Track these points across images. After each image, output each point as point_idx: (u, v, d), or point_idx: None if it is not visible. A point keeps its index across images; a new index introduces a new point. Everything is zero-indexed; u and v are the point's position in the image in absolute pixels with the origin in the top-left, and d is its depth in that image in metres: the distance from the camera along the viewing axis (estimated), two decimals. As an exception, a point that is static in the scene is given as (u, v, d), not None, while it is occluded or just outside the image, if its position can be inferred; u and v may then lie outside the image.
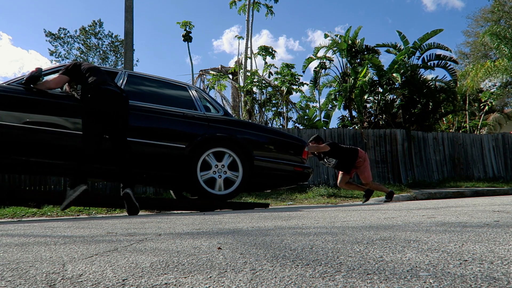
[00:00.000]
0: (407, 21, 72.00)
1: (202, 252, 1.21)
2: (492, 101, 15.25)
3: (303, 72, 15.20)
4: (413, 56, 13.03)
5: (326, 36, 14.05)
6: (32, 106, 3.51)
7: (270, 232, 1.67)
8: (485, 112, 15.74)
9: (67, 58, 28.50)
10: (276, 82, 13.29)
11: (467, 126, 15.01)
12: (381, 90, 12.60)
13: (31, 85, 3.55)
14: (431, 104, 12.59)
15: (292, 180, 4.78)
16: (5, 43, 49.70)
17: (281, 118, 13.35)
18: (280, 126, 12.82)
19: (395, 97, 12.77)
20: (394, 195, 7.56)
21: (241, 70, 14.59)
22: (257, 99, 12.80)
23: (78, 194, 3.34)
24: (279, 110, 13.17)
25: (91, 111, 3.49)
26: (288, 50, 69.69)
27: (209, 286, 0.82)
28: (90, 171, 3.74)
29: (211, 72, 15.85)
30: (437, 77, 13.22)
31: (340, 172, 6.06)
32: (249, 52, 14.58)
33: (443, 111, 13.77)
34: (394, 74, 11.82)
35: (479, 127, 15.30)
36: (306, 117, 13.47)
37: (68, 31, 29.05)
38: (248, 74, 13.39)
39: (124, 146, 3.61)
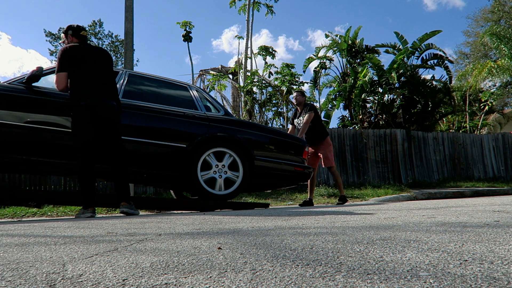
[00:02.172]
0: (408, 21, 72.01)
1: (202, 252, 1.21)
2: (492, 101, 15.24)
3: (304, 72, 15.21)
4: (412, 56, 13.04)
5: (326, 36, 14.06)
6: (33, 106, 3.51)
7: (270, 232, 1.67)
8: (485, 112, 15.74)
9: (67, 58, 28.48)
10: (276, 82, 13.29)
11: (467, 126, 15.01)
12: (381, 90, 12.61)
13: (32, 84, 3.55)
14: (430, 104, 12.61)
15: (292, 180, 4.78)
16: (4, 42, 49.77)
17: (281, 118, 13.35)
18: (280, 126, 12.82)
19: (395, 97, 12.78)
20: (394, 195, 7.56)
21: (241, 70, 14.58)
22: (257, 99, 12.80)
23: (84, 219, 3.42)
24: (279, 110, 13.17)
25: (77, 122, 3.39)
26: (288, 50, 69.71)
27: (209, 286, 0.82)
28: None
29: (211, 72, 15.84)
30: (433, 76, 13.29)
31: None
32: (249, 52, 14.58)
33: (443, 111, 13.78)
34: (392, 74, 11.84)
35: (479, 127, 15.29)
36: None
37: (68, 31, 29.05)
38: (248, 74, 13.38)
39: (118, 157, 3.45)
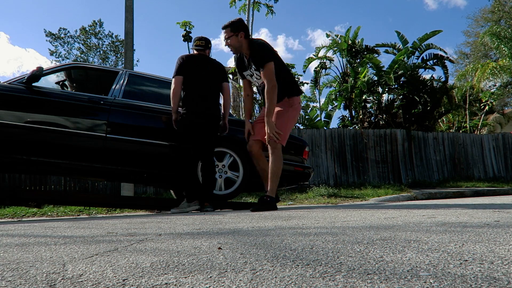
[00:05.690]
0: (408, 20, 72.05)
1: (202, 252, 1.21)
2: (492, 101, 15.25)
3: (304, 72, 15.23)
4: (412, 56, 13.05)
5: (327, 35, 14.08)
6: (33, 105, 3.52)
7: (270, 232, 1.67)
8: (485, 112, 15.74)
9: (67, 58, 28.59)
10: (276, 82, 13.26)
11: (467, 126, 15.01)
12: (381, 90, 12.62)
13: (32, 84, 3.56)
14: (430, 104, 12.61)
15: (292, 180, 4.78)
16: (3, 41, 49.83)
17: (281, 118, 13.31)
18: (280, 126, 12.79)
19: (395, 97, 12.78)
20: (394, 195, 7.57)
21: (241, 70, 14.56)
22: (257, 99, 12.78)
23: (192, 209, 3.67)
24: (279, 110, 13.13)
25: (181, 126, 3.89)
26: (288, 49, 69.72)
27: (209, 286, 0.82)
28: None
29: (211, 72, 15.81)
30: (432, 76, 13.29)
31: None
32: (249, 52, 14.55)
33: (443, 110, 13.78)
34: (391, 76, 11.85)
35: (479, 127, 15.29)
36: (307, 117, 13.48)
37: (68, 31, 29.12)
38: (248, 74, 13.36)
39: (206, 162, 3.79)
